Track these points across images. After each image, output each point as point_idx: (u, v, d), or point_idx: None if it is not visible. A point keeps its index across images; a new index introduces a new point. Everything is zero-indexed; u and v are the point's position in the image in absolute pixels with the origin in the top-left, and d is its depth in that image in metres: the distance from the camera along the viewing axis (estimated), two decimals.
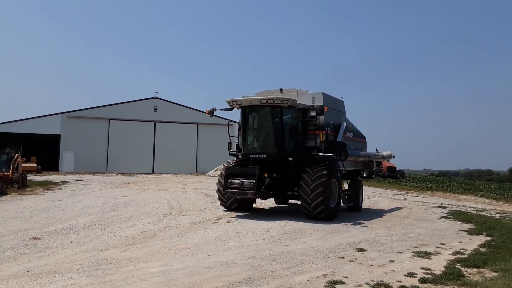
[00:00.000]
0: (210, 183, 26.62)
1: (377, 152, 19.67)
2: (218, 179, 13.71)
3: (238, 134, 14.44)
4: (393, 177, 43.28)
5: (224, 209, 13.68)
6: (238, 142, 14.44)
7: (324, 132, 12.94)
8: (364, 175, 20.55)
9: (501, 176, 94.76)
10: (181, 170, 40.92)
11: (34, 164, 33.50)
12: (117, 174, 35.16)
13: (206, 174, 38.84)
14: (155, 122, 42.58)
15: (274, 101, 12.31)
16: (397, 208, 16.75)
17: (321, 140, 12.84)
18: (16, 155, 22.39)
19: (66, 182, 24.17)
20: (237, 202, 13.27)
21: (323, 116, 12.97)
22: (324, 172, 12.12)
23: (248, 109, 13.10)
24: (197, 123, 43.76)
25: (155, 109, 42.74)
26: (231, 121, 14.92)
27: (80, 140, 39.75)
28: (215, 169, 40.13)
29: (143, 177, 32.54)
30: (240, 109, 13.34)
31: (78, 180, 25.81)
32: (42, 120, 39.66)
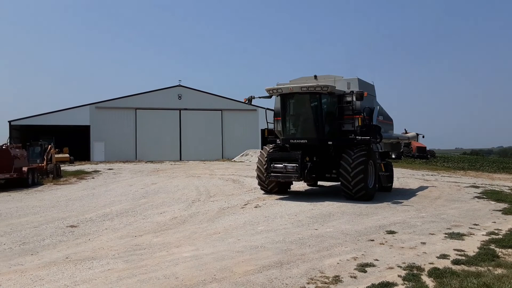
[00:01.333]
0: (236, 169, 26.86)
1: (406, 132, 19.24)
2: (257, 165, 14.29)
3: (274, 120, 15.03)
4: (423, 157, 42.32)
5: (264, 192, 14.30)
6: (274, 128, 15.07)
7: (361, 116, 13.49)
8: (393, 156, 20.18)
9: None
10: (207, 157, 41.45)
11: (67, 155, 34.68)
12: (146, 162, 35.96)
13: (232, 160, 39.18)
14: (180, 110, 43.11)
15: (315, 88, 12.73)
16: (428, 189, 16.42)
17: (359, 124, 13.47)
18: (49, 146, 23.25)
19: (98, 171, 24.94)
20: (277, 186, 13.92)
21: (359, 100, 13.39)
22: (363, 154, 12.65)
23: (288, 97, 13.56)
24: (221, 110, 44.04)
25: (180, 97, 43.20)
26: (268, 109, 15.34)
27: (109, 130, 40.82)
28: (241, 154, 40.42)
29: (171, 164, 33.15)
30: (279, 96, 13.80)
31: (109, 169, 26.57)
32: (72, 112, 40.89)
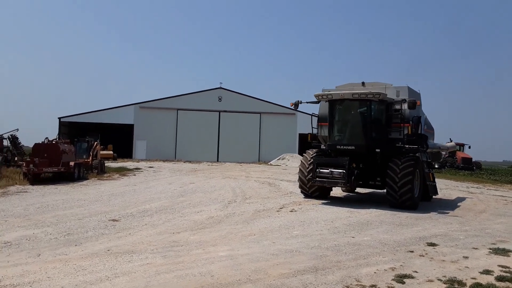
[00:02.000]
0: (272, 172, 26.88)
1: (451, 142, 18.59)
2: (299, 168, 14.41)
3: (318, 125, 15.25)
4: (469, 169, 40.51)
5: (304, 196, 14.46)
6: (318, 133, 15.26)
7: (409, 125, 13.46)
8: (436, 166, 19.59)
9: None
10: (244, 159, 41.76)
11: (111, 152, 36.11)
12: (184, 162, 36.76)
13: (269, 163, 39.23)
14: (219, 111, 43.73)
15: (367, 95, 12.82)
16: (473, 202, 15.70)
17: (409, 132, 13.45)
18: (95, 143, 24.29)
19: (139, 168, 25.77)
20: (318, 191, 14.09)
21: (407, 109, 13.39)
22: (412, 162, 12.70)
23: (337, 103, 13.65)
24: (260, 113, 44.24)
25: (220, 99, 43.83)
26: (313, 114, 15.65)
27: (151, 129, 42.10)
28: (277, 158, 40.39)
29: (209, 165, 33.68)
30: (327, 102, 13.87)
31: (150, 167, 27.38)
32: (118, 111, 42.53)
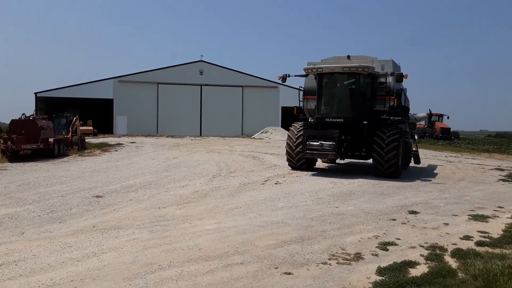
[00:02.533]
0: (256, 145, 26.95)
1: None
2: (287, 141, 14.59)
3: (303, 99, 15.36)
4: (447, 138, 41.47)
5: (291, 168, 14.64)
6: (304, 106, 15.42)
7: (393, 97, 13.84)
8: (416, 136, 20.09)
9: None
10: (227, 133, 41.65)
11: (91, 127, 35.43)
12: (167, 137, 36.44)
13: (252, 137, 39.26)
14: (201, 85, 43.15)
15: (357, 68, 13.09)
16: (451, 171, 16.14)
17: (395, 105, 13.84)
18: (74, 118, 23.75)
19: (121, 144, 25.44)
20: (305, 163, 14.33)
21: (392, 82, 13.87)
22: (397, 134, 13.15)
23: (325, 76, 13.84)
24: (242, 86, 43.86)
25: (201, 72, 43.16)
26: (300, 88, 15.62)
27: (132, 104, 41.34)
28: (261, 131, 40.43)
29: (192, 139, 33.50)
30: (316, 75, 13.98)
31: (132, 143, 27.05)
32: (96, 85, 41.49)
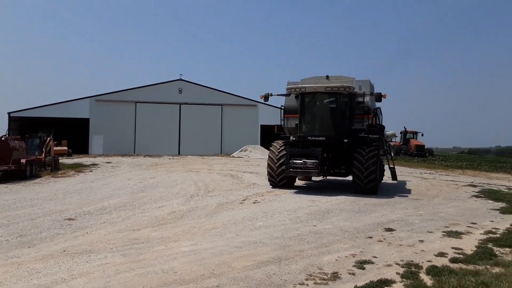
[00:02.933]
0: (235, 164, 26.85)
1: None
2: (268, 160, 14.67)
3: (284, 117, 15.72)
4: (422, 155, 42.35)
5: (272, 187, 14.74)
6: (284, 125, 15.77)
7: (371, 116, 14.61)
8: (392, 153, 20.55)
9: None
10: (206, 152, 41.40)
11: (65, 148, 34.59)
12: (144, 156, 35.92)
13: (231, 155, 39.15)
14: (180, 104, 42.96)
15: (339, 88, 13.54)
16: (426, 187, 16.44)
17: (373, 123, 14.62)
18: (48, 138, 23.17)
19: (96, 164, 24.90)
20: (285, 180, 14.44)
21: (369, 101, 14.57)
22: (376, 151, 13.58)
23: (308, 95, 14.22)
24: (221, 104, 43.89)
25: (180, 91, 43.06)
26: (282, 107, 16.04)
27: (109, 123, 40.69)
28: (240, 150, 40.37)
29: (170, 158, 33.13)
30: (299, 94, 14.34)
31: (108, 163, 26.53)
32: (72, 104, 40.75)
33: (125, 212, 10.10)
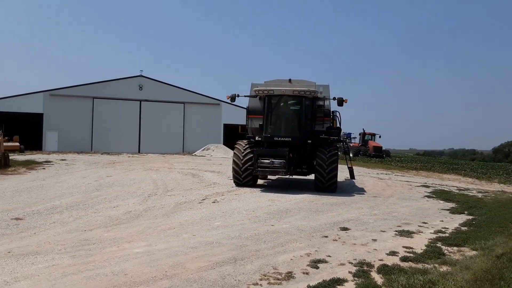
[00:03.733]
0: (197, 163, 26.54)
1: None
2: (234, 159, 14.88)
3: (247, 118, 16.10)
4: (379, 156, 43.75)
5: (236, 186, 14.90)
6: (247, 125, 16.13)
7: (330, 118, 15.44)
8: (351, 154, 21.10)
9: (484, 155, 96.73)
10: (167, 150, 40.70)
11: (17, 144, 32.88)
12: (102, 154, 34.78)
13: (193, 154, 38.70)
14: (140, 101, 41.95)
15: (305, 92, 14.26)
16: (382, 188, 16.96)
17: (334, 125, 15.51)
18: None
19: (49, 161, 23.81)
20: (250, 179, 14.72)
21: (329, 105, 15.52)
22: (336, 152, 14.43)
23: (274, 97, 14.75)
24: (183, 102, 43.29)
25: (141, 87, 42.05)
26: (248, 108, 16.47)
27: (64, 119, 39.05)
28: (202, 149, 39.99)
29: (129, 156, 32.27)
30: (266, 97, 14.80)
31: (62, 160, 25.46)
32: (24, 98, 38.75)
33: (77, 211, 9.70)
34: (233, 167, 14.93)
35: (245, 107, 16.44)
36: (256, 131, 15.52)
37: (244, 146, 14.84)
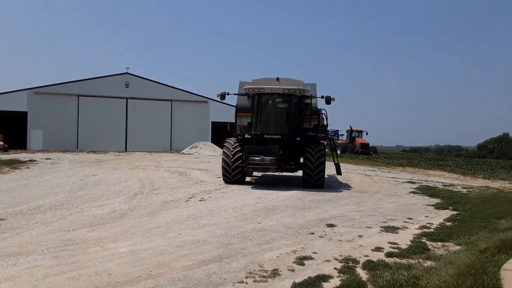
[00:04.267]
0: (184, 161, 26.40)
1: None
2: (223, 157, 14.91)
3: (236, 115, 16.19)
4: (366, 153, 44.11)
5: (225, 183, 14.91)
6: (236, 123, 16.18)
7: (317, 116, 15.69)
8: (339, 151, 21.26)
9: (469, 152, 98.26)
10: (155, 148, 40.40)
11: (1, 142, 32.28)
12: (88, 153, 34.35)
13: (181, 152, 38.49)
14: (127, 98, 41.51)
15: (295, 91, 14.52)
16: (368, 184, 17.09)
17: (321, 123, 15.75)
18: None
19: (34, 160, 23.43)
20: (238, 176, 14.79)
21: (316, 103, 15.80)
22: (323, 149, 14.75)
23: (264, 95, 14.89)
24: (171, 100, 42.98)
25: (127, 85, 41.60)
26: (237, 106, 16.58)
27: (49, 117, 38.44)
28: (190, 146, 39.78)
29: (116, 155, 31.94)
30: (255, 95, 14.90)
31: (47, 159, 25.07)
32: (8, 96, 38.03)
33: (61, 211, 9.54)
34: (222, 165, 14.97)
35: (234, 105, 16.55)
36: (245, 129, 15.63)
37: (233, 144, 14.95)
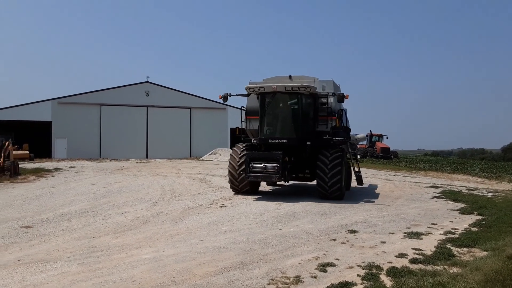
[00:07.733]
0: (204, 167, 26.61)
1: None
2: (230, 163, 13.87)
3: (246, 119, 14.98)
4: (387, 157, 43.46)
5: (234, 192, 14.03)
6: (246, 127, 15.02)
7: (335, 118, 13.79)
8: (358, 156, 20.82)
9: (493, 154, 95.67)
10: (175, 155, 40.84)
11: (27, 152, 33.21)
12: (110, 160, 35.01)
13: (201, 159, 38.80)
14: (147, 106, 42.20)
15: (299, 88, 12.81)
16: (390, 189, 16.83)
17: (337, 125, 13.77)
18: (7, 142, 22.13)
19: (59, 169, 24.02)
20: (248, 186, 13.66)
21: (333, 102, 13.90)
22: (340, 154, 12.98)
23: (268, 96, 13.46)
24: (190, 107, 43.48)
25: (147, 93, 42.31)
26: (242, 108, 15.36)
27: (72, 126, 39.42)
28: (209, 153, 40.07)
29: (137, 162, 32.44)
30: (259, 95, 13.60)
31: (71, 167, 25.66)
32: (33, 107, 39.21)
33: (86, 218, 9.76)
34: (229, 173, 13.88)
35: (242, 107, 15.28)
36: (255, 133, 14.37)
37: (240, 151, 13.78)
